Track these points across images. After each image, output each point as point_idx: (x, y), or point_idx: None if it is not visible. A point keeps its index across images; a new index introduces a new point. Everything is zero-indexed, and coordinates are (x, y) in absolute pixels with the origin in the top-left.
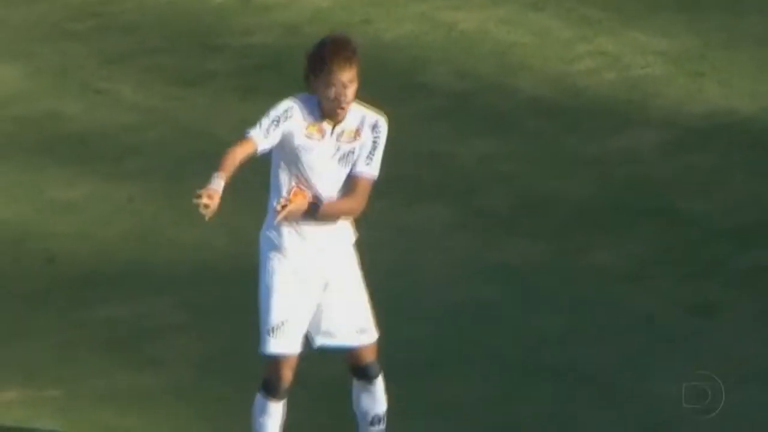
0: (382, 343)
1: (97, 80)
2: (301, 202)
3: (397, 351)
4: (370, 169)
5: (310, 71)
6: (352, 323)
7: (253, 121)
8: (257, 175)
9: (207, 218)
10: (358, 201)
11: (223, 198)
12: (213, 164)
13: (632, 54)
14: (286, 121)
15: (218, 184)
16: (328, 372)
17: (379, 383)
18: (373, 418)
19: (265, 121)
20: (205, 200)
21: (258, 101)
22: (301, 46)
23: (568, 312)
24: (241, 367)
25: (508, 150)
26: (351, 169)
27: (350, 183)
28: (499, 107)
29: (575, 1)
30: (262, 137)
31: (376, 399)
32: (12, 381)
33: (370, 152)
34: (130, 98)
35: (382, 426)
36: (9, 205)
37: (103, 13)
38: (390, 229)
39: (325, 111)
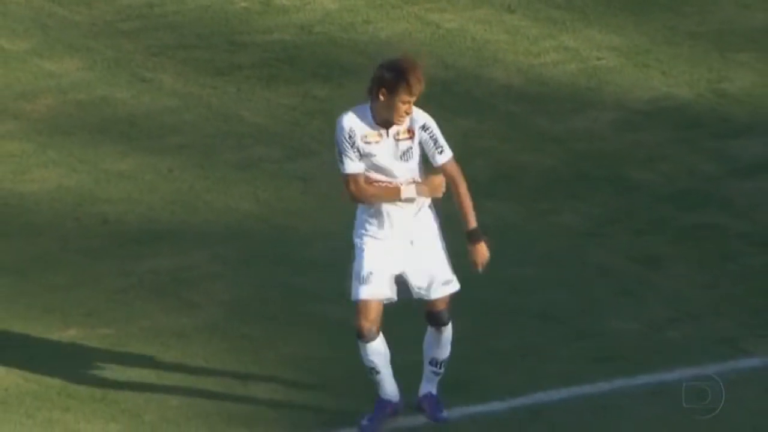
0: None
1: (144, 71)
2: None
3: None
4: (446, 155)
5: (384, 86)
6: (439, 278)
7: (277, 113)
8: (276, 153)
9: (440, 192)
10: (461, 179)
11: (245, 171)
12: (240, 142)
13: (590, 49)
14: (353, 140)
15: (410, 189)
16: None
17: (447, 332)
18: (431, 360)
19: (346, 153)
20: (437, 189)
21: (278, 89)
22: (313, 43)
23: (537, 263)
24: (264, 310)
25: (485, 128)
26: (433, 163)
27: (445, 172)
28: (477, 93)
29: (542, 4)
30: (358, 165)
31: (441, 345)
32: (72, 321)
33: (435, 145)
34: (171, 86)
35: (440, 369)
36: (70, 175)
37: (148, 14)
38: None
39: (385, 119)
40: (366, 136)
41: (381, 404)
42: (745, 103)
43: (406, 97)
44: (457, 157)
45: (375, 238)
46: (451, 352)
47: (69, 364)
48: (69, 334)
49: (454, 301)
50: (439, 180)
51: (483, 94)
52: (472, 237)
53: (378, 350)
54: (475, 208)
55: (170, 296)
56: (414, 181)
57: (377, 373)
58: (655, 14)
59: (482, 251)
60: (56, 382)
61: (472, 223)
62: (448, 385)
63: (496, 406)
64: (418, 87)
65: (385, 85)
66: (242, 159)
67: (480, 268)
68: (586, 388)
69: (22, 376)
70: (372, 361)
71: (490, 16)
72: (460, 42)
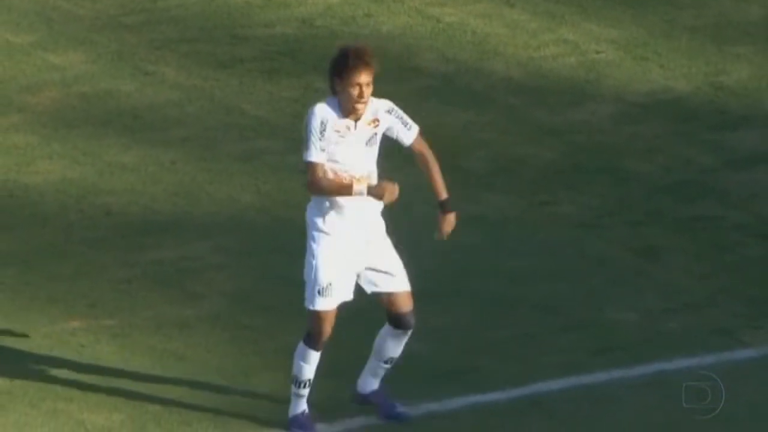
0: None
1: (147, 64)
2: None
3: None
4: (414, 131)
5: (335, 75)
6: (391, 274)
7: (278, 105)
8: (278, 145)
9: (393, 198)
10: (430, 152)
11: (247, 163)
12: (242, 134)
13: (588, 42)
14: (325, 130)
15: (362, 188)
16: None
17: (409, 333)
18: (388, 359)
19: (314, 141)
20: (386, 196)
21: (279, 82)
22: (314, 36)
23: (536, 254)
24: (265, 301)
25: (486, 121)
26: (404, 143)
27: (415, 148)
28: (477, 86)
29: None
30: (321, 155)
31: (401, 346)
32: (76, 312)
33: (403, 123)
34: (174, 79)
35: (390, 366)
36: (74, 167)
37: (152, 8)
38: None
39: (347, 109)
40: (335, 125)
41: (303, 417)
42: (741, 95)
43: (354, 79)
44: (457, 150)
45: (330, 234)
46: (451, 343)
47: (73, 354)
48: (73, 325)
49: (453, 292)
50: (394, 187)
51: (483, 87)
52: (445, 206)
53: (316, 360)
54: (472, 198)
55: (173, 287)
56: (369, 182)
57: (307, 387)
58: (653, 7)
59: (451, 220)
60: (60, 372)
61: (444, 194)
62: (448, 375)
63: (495, 396)
64: (363, 66)
65: (335, 73)
66: (244, 151)
67: (445, 237)
68: (585, 378)
69: (26, 367)
70: (312, 372)
71: (489, 10)
72: (461, 36)
